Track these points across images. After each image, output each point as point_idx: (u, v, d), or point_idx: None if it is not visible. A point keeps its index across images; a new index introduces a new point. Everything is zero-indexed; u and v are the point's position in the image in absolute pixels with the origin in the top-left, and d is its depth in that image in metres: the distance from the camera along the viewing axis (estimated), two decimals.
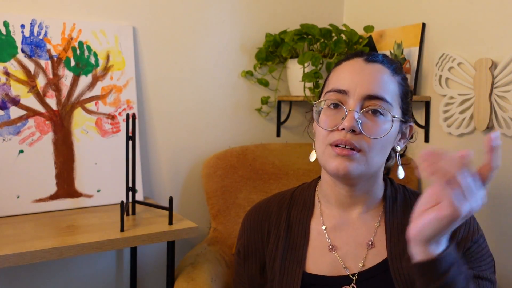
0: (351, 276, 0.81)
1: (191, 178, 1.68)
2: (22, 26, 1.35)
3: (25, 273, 1.41)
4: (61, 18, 1.42)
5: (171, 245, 1.28)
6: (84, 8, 1.46)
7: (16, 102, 1.34)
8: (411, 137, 0.89)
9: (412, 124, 0.88)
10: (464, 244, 0.80)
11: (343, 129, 0.77)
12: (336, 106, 0.80)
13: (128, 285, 1.59)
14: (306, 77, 1.59)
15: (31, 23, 1.37)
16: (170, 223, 1.27)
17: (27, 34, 1.36)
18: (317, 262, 0.84)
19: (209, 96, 1.70)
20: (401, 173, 0.85)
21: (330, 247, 0.84)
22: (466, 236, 0.81)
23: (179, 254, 1.58)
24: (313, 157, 0.87)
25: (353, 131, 0.76)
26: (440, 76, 1.51)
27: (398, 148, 0.85)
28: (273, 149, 1.71)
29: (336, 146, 0.78)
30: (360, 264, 0.82)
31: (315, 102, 0.85)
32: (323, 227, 0.86)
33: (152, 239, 1.20)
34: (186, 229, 1.25)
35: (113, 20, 1.51)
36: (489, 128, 1.37)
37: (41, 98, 1.38)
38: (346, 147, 0.77)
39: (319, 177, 0.93)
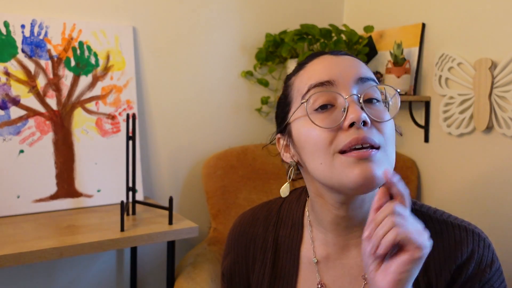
0: None
1: (191, 178, 1.68)
2: (23, 26, 1.35)
3: (25, 273, 1.41)
4: (61, 18, 1.42)
5: (171, 245, 1.28)
6: (84, 8, 1.46)
7: (16, 102, 1.34)
8: None
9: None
10: (471, 285, 0.65)
11: (351, 125, 0.60)
12: (325, 107, 0.63)
13: (128, 285, 1.59)
14: None
15: (31, 23, 1.37)
16: (170, 223, 1.27)
17: (27, 34, 1.36)
18: None
19: (209, 96, 1.70)
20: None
21: (319, 286, 0.72)
22: (475, 274, 0.65)
23: (179, 254, 1.58)
24: (286, 190, 0.72)
25: (364, 124, 0.60)
26: (440, 76, 1.51)
27: None
28: (273, 149, 1.71)
29: (345, 151, 0.61)
30: None
31: (303, 101, 0.65)
32: (314, 259, 0.73)
33: (152, 239, 1.20)
34: (186, 229, 1.25)
35: (113, 20, 1.51)
36: (489, 128, 1.37)
37: (41, 98, 1.38)
38: (364, 146, 0.60)
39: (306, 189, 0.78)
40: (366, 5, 1.86)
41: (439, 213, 0.73)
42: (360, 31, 1.72)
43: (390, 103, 0.67)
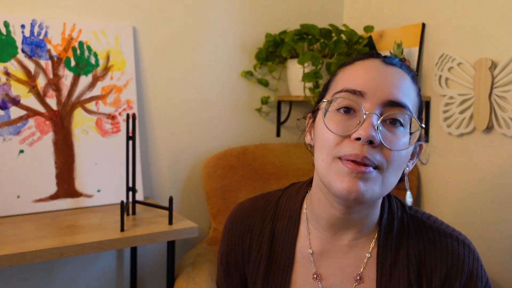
0: None
1: (191, 178, 1.68)
2: (23, 26, 1.35)
3: (25, 273, 1.41)
4: (61, 18, 1.42)
5: (171, 245, 1.28)
6: (84, 8, 1.46)
7: (16, 102, 1.34)
8: (419, 157, 0.74)
9: (423, 143, 0.73)
10: None
11: (358, 139, 0.61)
12: (348, 111, 0.65)
13: (128, 285, 1.59)
14: (306, 77, 1.59)
15: (31, 23, 1.37)
16: (170, 223, 1.27)
17: (27, 34, 1.36)
18: None
19: (209, 96, 1.70)
20: (409, 199, 0.71)
21: (315, 276, 0.73)
22: (467, 286, 0.69)
23: (179, 254, 1.58)
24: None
25: (370, 142, 0.61)
26: (440, 76, 1.51)
27: (407, 170, 0.70)
28: (273, 149, 1.72)
29: (348, 160, 0.63)
30: None
31: (325, 100, 0.68)
32: (310, 251, 0.74)
33: (152, 239, 1.20)
34: (186, 229, 1.25)
35: (113, 20, 1.51)
36: (489, 128, 1.37)
37: (41, 98, 1.38)
38: (361, 162, 0.62)
39: (309, 183, 0.80)
40: (366, 5, 1.86)
41: (432, 220, 0.75)
42: (360, 31, 1.72)
43: (410, 136, 0.67)
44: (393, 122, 0.64)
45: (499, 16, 1.35)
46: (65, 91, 1.42)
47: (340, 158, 0.63)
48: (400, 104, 0.64)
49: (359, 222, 0.71)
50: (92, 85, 1.45)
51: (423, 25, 1.59)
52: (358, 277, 0.71)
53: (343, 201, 0.66)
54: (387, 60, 0.69)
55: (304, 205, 0.78)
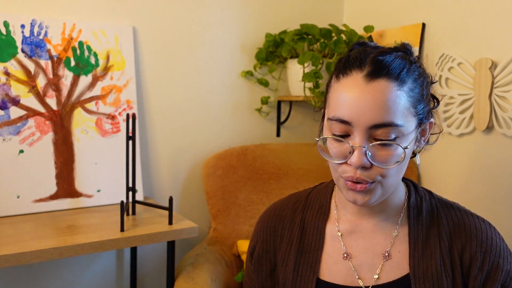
0: None
1: (191, 178, 1.68)
2: (22, 26, 1.35)
3: (25, 273, 1.41)
4: (61, 18, 1.42)
5: (171, 245, 1.28)
6: (84, 8, 1.46)
7: (16, 102, 1.34)
8: (431, 139, 0.80)
9: (432, 120, 0.77)
10: (497, 273, 0.74)
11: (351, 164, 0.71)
12: (343, 136, 0.72)
13: (128, 285, 1.59)
14: (306, 77, 1.59)
15: (31, 23, 1.37)
16: (170, 223, 1.27)
17: (27, 34, 1.36)
18: (331, 270, 0.80)
19: (209, 96, 1.70)
20: (418, 160, 0.79)
21: (345, 255, 0.80)
22: (498, 263, 0.74)
23: (179, 254, 1.58)
24: None
25: (363, 167, 0.70)
26: (440, 76, 1.51)
27: (418, 149, 0.77)
28: (273, 149, 1.71)
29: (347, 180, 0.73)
30: (375, 276, 0.77)
31: (317, 139, 0.77)
32: (339, 233, 0.82)
33: (152, 239, 1.20)
34: (186, 229, 1.25)
35: (113, 20, 1.51)
36: (489, 128, 1.37)
37: (41, 98, 1.38)
38: (358, 186, 0.71)
39: None
40: (366, 5, 1.86)
41: (456, 204, 0.82)
42: (360, 31, 1.72)
43: (407, 138, 0.71)
44: (383, 144, 0.69)
45: (499, 16, 1.35)
46: (65, 91, 1.41)
47: (342, 177, 0.73)
48: (385, 124, 0.68)
49: (382, 207, 0.79)
50: (92, 85, 1.45)
51: (423, 25, 1.59)
52: (387, 254, 0.78)
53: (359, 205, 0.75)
54: (370, 74, 0.69)
55: (334, 195, 0.86)
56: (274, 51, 1.74)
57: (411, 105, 0.70)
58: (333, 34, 1.67)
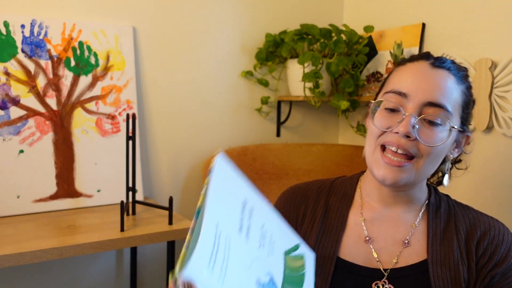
0: (383, 270, 0.80)
1: (191, 178, 1.68)
2: (22, 26, 1.35)
3: (25, 273, 1.41)
4: (61, 18, 1.42)
5: (171, 245, 1.28)
6: (84, 8, 1.46)
7: (16, 102, 1.34)
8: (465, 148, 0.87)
9: (470, 134, 0.86)
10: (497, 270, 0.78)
11: (397, 133, 0.75)
12: (393, 110, 0.78)
13: (128, 285, 1.59)
14: (306, 77, 1.59)
15: (31, 23, 1.37)
16: (170, 223, 1.27)
17: (27, 34, 1.36)
18: (351, 251, 0.83)
19: (209, 96, 1.70)
20: (445, 181, 0.84)
21: (367, 238, 0.83)
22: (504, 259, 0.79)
23: (179, 254, 1.58)
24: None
25: (407, 137, 0.75)
26: None
27: (451, 156, 0.83)
28: (273, 149, 1.72)
29: (385, 150, 0.77)
30: (393, 261, 0.81)
31: (372, 102, 0.82)
32: (362, 218, 0.86)
33: (152, 239, 1.20)
34: (186, 229, 1.25)
35: (113, 20, 1.51)
36: (489, 128, 1.37)
37: (41, 98, 1.38)
38: (398, 151, 0.75)
39: (362, 172, 0.92)
40: (366, 5, 1.86)
41: (471, 207, 0.90)
42: (360, 31, 1.72)
43: (450, 131, 0.78)
44: (431, 121, 0.76)
45: (499, 16, 1.35)
46: (65, 91, 1.41)
47: (382, 146, 0.77)
48: (438, 105, 0.76)
49: (406, 199, 0.84)
50: (92, 85, 1.45)
51: (423, 25, 1.59)
52: (407, 241, 0.82)
53: (382, 185, 0.80)
54: (435, 63, 0.79)
55: (359, 185, 0.91)
56: (274, 51, 1.74)
57: (461, 104, 0.80)
58: (333, 34, 1.67)
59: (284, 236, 0.69)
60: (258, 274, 0.58)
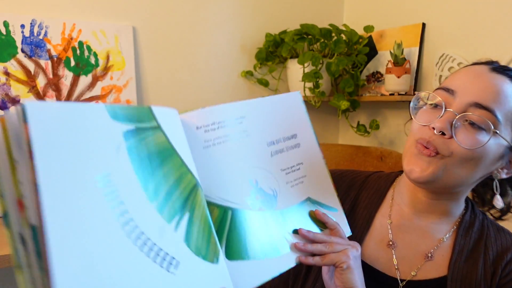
0: (399, 280, 0.76)
1: None
2: (22, 26, 1.35)
3: None
4: (61, 18, 1.42)
5: None
6: (84, 8, 1.46)
7: (16, 102, 1.34)
8: None
9: None
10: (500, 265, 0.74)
11: (434, 128, 0.69)
12: (437, 106, 0.72)
13: None
14: (306, 77, 1.59)
15: (31, 23, 1.37)
16: None
17: (27, 34, 1.36)
18: (371, 253, 0.79)
19: (209, 96, 1.70)
20: (498, 202, 0.76)
21: (390, 243, 0.79)
22: (500, 254, 0.75)
23: None
24: None
25: (443, 134, 0.68)
26: (440, 76, 1.51)
27: (497, 176, 0.74)
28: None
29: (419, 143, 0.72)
30: (412, 273, 0.77)
31: (416, 92, 0.77)
32: (389, 221, 0.81)
33: None
34: None
35: (113, 20, 1.51)
36: None
37: (41, 98, 1.38)
38: (427, 147, 0.69)
39: (401, 171, 0.86)
40: (366, 5, 1.86)
41: (507, 229, 0.83)
42: (360, 31, 1.72)
43: (489, 139, 0.68)
44: (474, 123, 0.68)
45: (499, 16, 1.35)
46: (64, 91, 1.41)
47: (416, 141, 0.71)
48: (487, 108, 0.67)
49: (439, 210, 0.78)
50: (92, 85, 1.45)
51: (423, 25, 1.59)
52: (430, 255, 0.77)
53: (412, 181, 0.73)
54: (496, 68, 0.74)
55: (393, 186, 0.85)
56: (274, 51, 1.74)
57: None
58: (333, 34, 1.67)
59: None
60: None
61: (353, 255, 0.67)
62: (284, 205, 0.66)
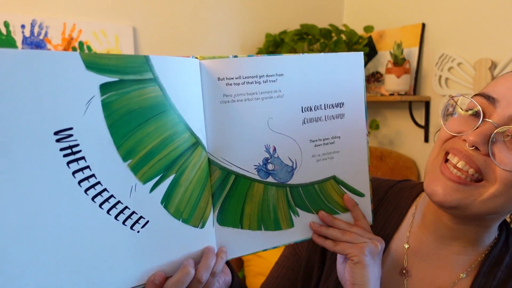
0: None
1: None
2: (23, 26, 1.36)
3: None
4: (61, 18, 1.42)
5: None
6: (84, 8, 1.46)
7: None
8: None
9: None
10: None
11: (466, 140, 0.57)
12: (474, 114, 0.59)
13: None
14: None
15: (31, 23, 1.37)
16: None
17: (27, 34, 1.36)
18: (382, 280, 0.68)
19: None
20: None
21: (404, 271, 0.69)
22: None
23: None
24: None
25: (477, 149, 0.56)
26: (440, 76, 1.51)
27: None
28: None
29: (447, 161, 0.60)
30: None
31: (450, 96, 0.64)
32: (406, 245, 0.70)
33: None
34: None
35: (113, 20, 1.51)
36: None
37: None
38: (459, 164, 0.58)
39: None
40: (366, 5, 1.86)
41: None
42: (360, 31, 1.72)
43: None
44: None
45: (499, 16, 1.35)
46: None
47: (446, 153, 0.60)
48: None
49: (466, 238, 0.66)
50: None
51: (423, 25, 1.59)
52: None
53: (435, 204, 0.63)
54: None
55: (416, 202, 0.73)
56: (274, 51, 1.74)
57: None
58: (333, 34, 1.67)
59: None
60: None
61: (369, 250, 0.60)
62: (302, 179, 0.60)
